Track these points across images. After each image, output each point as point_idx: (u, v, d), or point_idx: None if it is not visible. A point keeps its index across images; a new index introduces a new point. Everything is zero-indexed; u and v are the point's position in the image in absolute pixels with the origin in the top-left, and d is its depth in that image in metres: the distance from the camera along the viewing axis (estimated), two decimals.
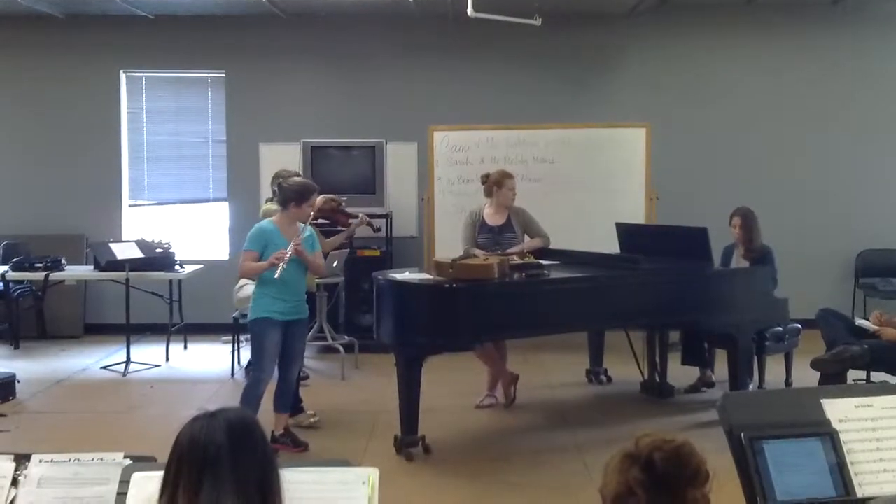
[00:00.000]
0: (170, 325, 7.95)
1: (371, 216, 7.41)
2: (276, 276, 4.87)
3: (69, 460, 2.13)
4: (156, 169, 9.09)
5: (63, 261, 7.63)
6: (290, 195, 5.03)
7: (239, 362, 7.12)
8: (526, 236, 6.20)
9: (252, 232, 5.10)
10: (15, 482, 2.09)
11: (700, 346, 6.40)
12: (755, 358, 6.05)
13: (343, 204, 6.64)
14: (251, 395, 5.01)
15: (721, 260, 6.49)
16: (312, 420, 5.65)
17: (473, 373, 6.37)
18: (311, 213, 5.20)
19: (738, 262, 6.39)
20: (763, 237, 6.42)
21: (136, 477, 2.06)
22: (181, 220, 9.04)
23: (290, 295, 5.05)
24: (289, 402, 5.30)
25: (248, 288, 6.32)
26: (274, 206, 5.90)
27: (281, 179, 5.33)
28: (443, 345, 5.18)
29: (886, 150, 8.75)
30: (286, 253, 4.90)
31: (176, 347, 7.93)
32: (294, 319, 5.10)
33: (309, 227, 5.22)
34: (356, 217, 6.66)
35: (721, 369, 6.19)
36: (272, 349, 5.02)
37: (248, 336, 5.32)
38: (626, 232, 6.45)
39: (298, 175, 6.21)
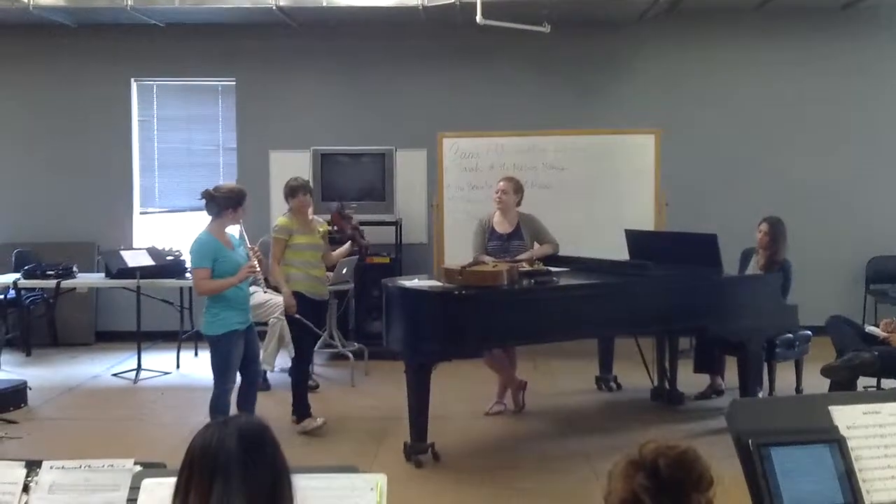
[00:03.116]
0: (180, 332, 7.98)
1: (380, 223, 7.45)
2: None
3: (80, 467, 2.14)
4: (166, 176, 9.14)
5: (74, 268, 7.66)
6: (229, 202, 5.00)
7: None
8: (535, 243, 6.20)
9: (197, 248, 4.96)
10: (26, 489, 2.11)
11: (712, 353, 6.38)
12: (765, 365, 6.04)
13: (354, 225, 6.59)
14: (221, 405, 5.02)
15: (739, 262, 6.47)
16: (319, 422, 5.68)
17: (483, 380, 6.37)
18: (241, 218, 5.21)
19: (755, 269, 6.33)
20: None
21: (147, 483, 2.07)
22: (192, 227, 9.05)
23: (245, 304, 5.12)
24: (254, 402, 5.29)
25: (257, 296, 6.32)
26: (284, 219, 5.91)
27: (212, 189, 5.12)
28: (452, 352, 5.17)
29: None
30: (254, 262, 4.98)
31: (186, 354, 7.94)
32: (249, 325, 5.18)
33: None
34: (359, 230, 6.60)
35: (731, 376, 6.19)
36: (237, 361, 5.07)
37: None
38: (636, 238, 6.44)
39: (308, 182, 6.24)
